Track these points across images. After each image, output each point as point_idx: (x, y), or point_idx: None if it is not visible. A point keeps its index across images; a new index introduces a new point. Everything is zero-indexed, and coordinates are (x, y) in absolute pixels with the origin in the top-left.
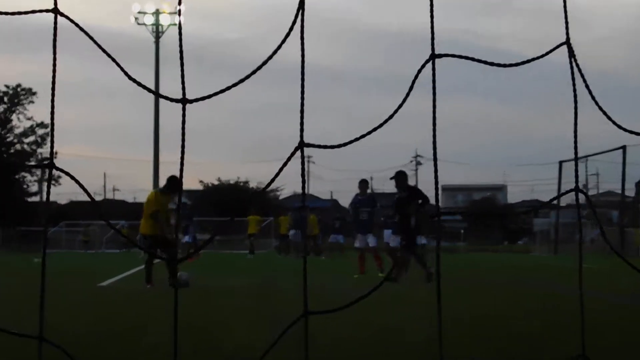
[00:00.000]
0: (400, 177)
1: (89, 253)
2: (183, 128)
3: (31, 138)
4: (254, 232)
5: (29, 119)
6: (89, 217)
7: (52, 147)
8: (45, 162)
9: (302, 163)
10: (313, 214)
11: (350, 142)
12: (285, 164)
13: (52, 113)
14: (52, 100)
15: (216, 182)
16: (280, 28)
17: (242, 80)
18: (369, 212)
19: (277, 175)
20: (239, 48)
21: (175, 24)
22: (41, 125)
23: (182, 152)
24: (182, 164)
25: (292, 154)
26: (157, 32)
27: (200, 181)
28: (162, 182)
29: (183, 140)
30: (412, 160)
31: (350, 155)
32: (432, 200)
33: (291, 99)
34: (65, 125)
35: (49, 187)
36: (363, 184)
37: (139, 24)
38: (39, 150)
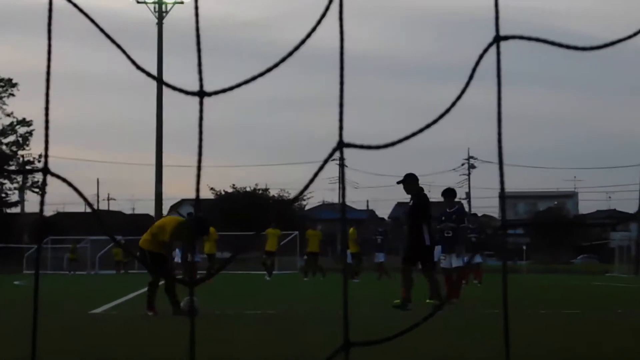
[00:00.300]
0: (408, 180)
1: (77, 275)
2: (200, 126)
3: (11, 138)
4: (274, 249)
5: (8, 115)
6: (79, 231)
7: (46, 147)
8: (34, 167)
9: (341, 166)
10: (352, 226)
11: (399, 141)
12: (322, 167)
13: (47, 108)
14: (47, 94)
15: (230, 190)
16: (305, 6)
17: (269, 69)
18: (454, 228)
19: (312, 180)
20: (258, 31)
21: (181, 2)
22: (23, 122)
23: (200, 155)
24: (199, 168)
25: (330, 156)
26: (160, 12)
27: (211, 189)
28: (166, 189)
29: (200, 140)
30: (463, 163)
31: (390, 159)
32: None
33: (322, 91)
34: (51, 123)
35: (42, 197)
36: (450, 194)
37: (138, 2)
38: (21, 152)
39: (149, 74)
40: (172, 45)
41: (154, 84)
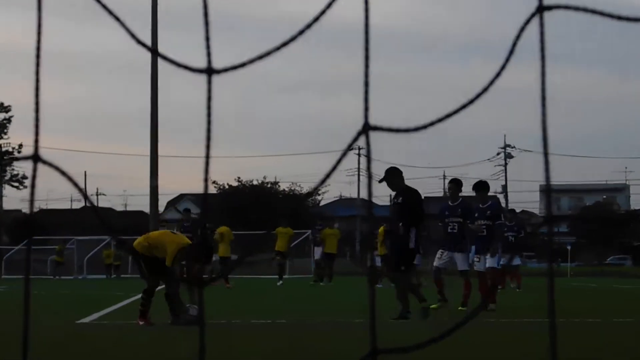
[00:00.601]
0: (390, 177)
1: (63, 280)
2: (209, 108)
3: None
4: (285, 249)
5: None
6: (64, 230)
7: (36, 131)
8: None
9: (368, 153)
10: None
11: (430, 124)
12: (345, 153)
13: (37, 88)
14: (37, 71)
15: (235, 183)
16: None
17: (284, 44)
18: (488, 226)
19: (332, 170)
20: (270, 2)
21: None
22: (1, 108)
23: (208, 140)
24: (207, 156)
25: (354, 140)
26: None
27: (214, 182)
28: (162, 183)
29: (209, 124)
30: (499, 152)
31: (416, 148)
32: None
33: (341, 71)
34: (48, 107)
35: (32, 189)
36: (483, 187)
37: None
38: None
39: (147, 47)
40: (174, 19)
41: (149, 65)
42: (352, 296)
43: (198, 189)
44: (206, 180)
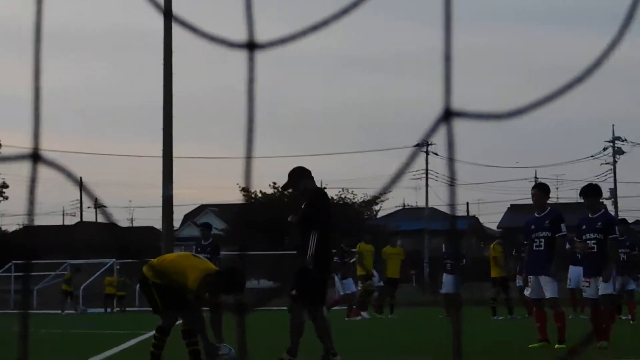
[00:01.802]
0: (292, 179)
1: (78, 315)
2: (250, 91)
3: None
4: (367, 272)
5: None
6: (54, 252)
7: (36, 124)
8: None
9: (451, 146)
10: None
11: (525, 109)
12: (421, 147)
13: (37, 72)
14: (37, 51)
15: (269, 190)
16: None
17: (338, 16)
18: (600, 241)
19: (404, 170)
20: None
21: None
22: None
23: (250, 133)
24: (249, 155)
25: (433, 130)
26: None
27: (242, 189)
28: (177, 191)
29: (251, 113)
30: (606, 147)
31: (500, 143)
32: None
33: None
34: (18, 100)
35: (32, 193)
36: (593, 192)
37: None
38: None
39: (167, 14)
40: None
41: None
42: (419, 331)
43: (223, 198)
44: (247, 177)
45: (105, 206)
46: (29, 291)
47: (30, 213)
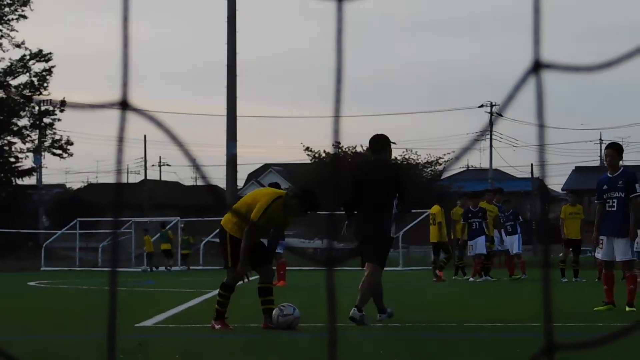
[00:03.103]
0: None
1: (173, 272)
2: (339, 42)
3: (22, 78)
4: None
5: (18, 45)
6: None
7: (125, 73)
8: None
9: (540, 100)
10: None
11: (617, 61)
12: (509, 100)
13: (126, 19)
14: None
15: (333, 150)
16: None
17: None
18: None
19: (486, 131)
20: None
21: None
22: (39, 56)
23: (338, 92)
24: (337, 113)
25: (523, 81)
26: None
27: (307, 148)
28: (240, 151)
29: (339, 71)
30: None
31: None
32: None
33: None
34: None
35: (120, 144)
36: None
37: None
38: (36, 96)
39: None
40: None
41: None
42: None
43: (288, 157)
44: (336, 135)
45: (198, 165)
46: (116, 254)
47: (119, 161)
